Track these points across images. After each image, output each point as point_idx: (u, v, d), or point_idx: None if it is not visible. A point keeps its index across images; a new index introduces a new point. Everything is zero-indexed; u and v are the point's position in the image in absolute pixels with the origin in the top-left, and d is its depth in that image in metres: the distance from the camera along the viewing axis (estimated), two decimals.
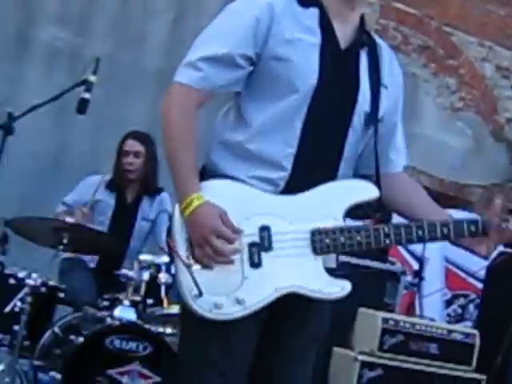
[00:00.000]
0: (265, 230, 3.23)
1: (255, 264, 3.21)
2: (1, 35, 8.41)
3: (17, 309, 5.82)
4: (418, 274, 7.81)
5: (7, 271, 5.98)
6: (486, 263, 7.93)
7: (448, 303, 9.16)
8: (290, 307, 3.30)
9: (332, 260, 3.38)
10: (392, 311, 7.49)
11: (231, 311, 3.20)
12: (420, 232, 3.29)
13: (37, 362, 5.82)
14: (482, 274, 8.38)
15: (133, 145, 6.43)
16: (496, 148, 10.48)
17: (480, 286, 8.68)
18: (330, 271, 3.30)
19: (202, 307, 3.17)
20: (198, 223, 3.14)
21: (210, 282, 3.20)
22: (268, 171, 3.28)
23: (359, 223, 3.39)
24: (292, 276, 3.25)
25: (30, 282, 5.85)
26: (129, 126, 6.67)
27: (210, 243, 3.14)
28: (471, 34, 10.29)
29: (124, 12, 8.87)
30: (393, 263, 7.78)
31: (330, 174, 3.34)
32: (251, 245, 3.20)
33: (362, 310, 7.08)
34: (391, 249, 7.71)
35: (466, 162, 10.29)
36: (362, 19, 3.40)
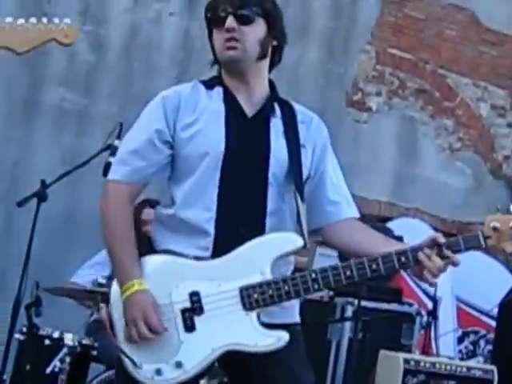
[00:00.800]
0: (195, 295, 3.39)
1: (189, 328, 3.38)
2: (10, 98, 8.50)
3: (56, 369, 5.94)
4: (433, 314, 7.92)
5: (42, 332, 6.06)
6: (497, 302, 8.06)
7: (459, 340, 9.24)
8: (249, 367, 3.45)
9: (291, 314, 3.56)
10: (409, 351, 7.59)
11: (173, 376, 3.37)
12: (348, 272, 3.37)
13: None
14: (494, 312, 8.45)
15: (150, 213, 6.51)
16: (495, 185, 10.61)
17: (491, 322, 8.79)
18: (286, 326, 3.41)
19: (145, 376, 3.35)
20: (134, 306, 3.34)
21: (149, 351, 3.38)
22: (196, 239, 3.46)
23: None
24: (226, 335, 3.38)
25: (68, 342, 5.97)
26: None
27: (137, 326, 3.34)
28: (465, 75, 10.42)
29: (128, 71, 8.99)
30: (409, 304, 7.86)
31: (257, 231, 3.48)
32: (184, 311, 3.38)
33: (383, 352, 7.16)
34: (405, 289, 7.79)
35: (467, 201, 10.38)
36: (273, 89, 3.65)
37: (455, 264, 3.38)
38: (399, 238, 7.52)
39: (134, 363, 3.37)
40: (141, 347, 3.40)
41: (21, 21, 3.19)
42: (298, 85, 8.29)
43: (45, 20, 3.23)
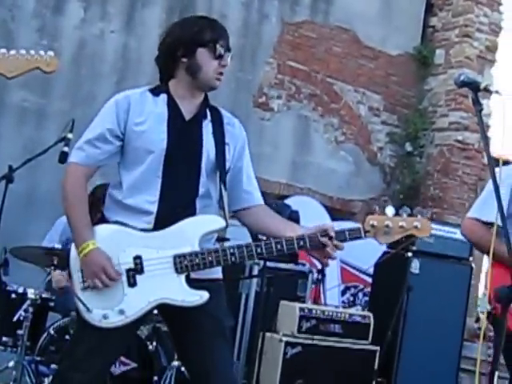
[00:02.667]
0: (138, 258, 3.51)
1: (132, 284, 3.50)
2: None
3: (21, 317, 5.88)
4: (321, 272, 8.02)
5: (9, 288, 6.06)
6: (373, 262, 8.21)
7: (342, 293, 9.38)
8: (181, 314, 3.56)
9: (217, 271, 3.68)
10: (303, 302, 7.70)
11: (116, 320, 3.48)
12: (259, 249, 3.53)
13: (37, 358, 5.90)
14: (370, 271, 8.59)
15: None
16: (372, 171, 10.74)
17: (367, 279, 8.94)
18: (210, 281, 3.58)
19: (94, 319, 3.48)
20: (92, 262, 3.44)
21: (99, 300, 3.48)
22: (141, 216, 3.56)
23: None
24: (161, 291, 3.51)
25: (30, 295, 5.95)
26: None
27: (97, 276, 3.44)
28: (348, 83, 10.52)
29: (77, 76, 8.92)
30: (303, 264, 7.94)
31: (190, 211, 3.60)
32: (128, 270, 3.49)
33: (283, 302, 7.28)
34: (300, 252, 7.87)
35: (349, 183, 10.49)
36: (206, 97, 3.73)
37: (340, 249, 3.55)
38: (296, 212, 7.67)
39: (88, 308, 3.47)
40: (92, 296, 3.50)
41: (12, 52, 3.19)
42: None
43: (32, 52, 3.27)
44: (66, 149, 5.76)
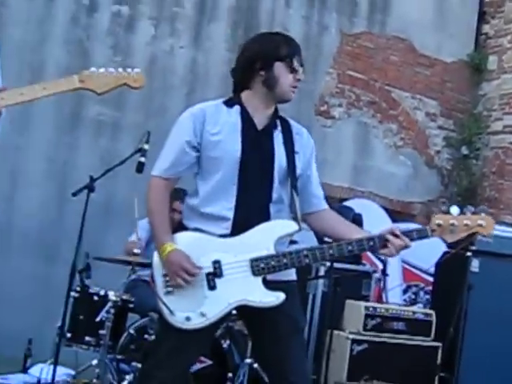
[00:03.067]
0: (217, 262, 3.54)
1: (212, 287, 3.53)
2: (61, 113, 8.49)
3: (103, 318, 5.94)
4: (384, 272, 8.00)
5: (91, 291, 6.14)
6: (433, 262, 8.16)
7: (404, 291, 9.33)
8: (259, 314, 3.57)
9: (292, 273, 3.72)
10: (368, 301, 7.68)
11: (198, 322, 3.51)
12: (331, 251, 3.56)
13: (118, 356, 5.97)
14: (431, 270, 8.52)
15: (178, 205, 6.32)
16: (429, 174, 10.68)
17: (428, 278, 8.87)
18: (284, 283, 3.60)
19: (177, 321, 3.51)
20: (172, 262, 3.49)
21: (181, 303, 3.52)
22: (219, 222, 3.59)
23: None
24: (239, 293, 3.53)
25: (111, 297, 6.02)
26: None
27: (178, 274, 3.47)
28: (405, 90, 10.48)
29: (150, 90, 8.98)
30: (365, 265, 7.94)
31: (264, 216, 3.62)
32: (208, 274, 3.53)
33: (348, 301, 7.27)
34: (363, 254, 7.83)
35: (408, 185, 10.44)
36: (276, 109, 3.75)
37: (407, 247, 3.57)
38: (359, 215, 7.66)
39: (171, 311, 3.51)
40: (175, 300, 3.54)
41: (101, 69, 3.21)
42: None
43: (120, 69, 3.26)
44: (142, 159, 5.87)
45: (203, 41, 9.37)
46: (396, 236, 3.54)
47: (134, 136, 8.19)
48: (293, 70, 3.64)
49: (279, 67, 3.62)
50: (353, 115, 10.16)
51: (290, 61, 3.63)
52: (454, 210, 3.59)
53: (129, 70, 3.26)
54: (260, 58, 3.64)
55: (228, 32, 9.47)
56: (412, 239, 3.57)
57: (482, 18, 11.06)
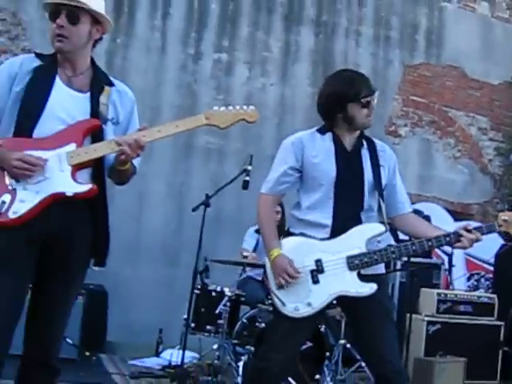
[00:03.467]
0: (318, 261, 3.56)
1: (315, 281, 3.55)
2: (176, 144, 8.60)
3: (221, 310, 6.00)
4: (450, 264, 7.90)
5: (210, 288, 6.21)
6: (493, 253, 8.05)
7: (468, 279, 9.19)
8: (356, 303, 3.56)
9: (381, 267, 3.69)
10: (439, 288, 7.60)
11: (305, 311, 3.53)
12: (414, 247, 3.54)
13: (234, 341, 6.00)
14: (491, 260, 8.38)
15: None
16: (484, 179, 10.48)
17: (489, 267, 8.72)
18: (375, 275, 3.59)
19: (288, 311, 3.54)
20: (276, 265, 3.53)
21: (291, 296, 3.54)
22: (319, 228, 3.60)
23: None
24: (338, 286, 3.54)
25: (227, 293, 6.08)
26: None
27: (281, 276, 3.50)
28: (460, 109, 10.33)
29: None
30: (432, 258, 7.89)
31: (357, 222, 3.61)
32: (312, 271, 3.55)
33: (423, 289, 7.22)
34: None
35: (466, 190, 10.28)
36: (362, 131, 3.72)
37: (479, 240, 3.55)
38: (427, 216, 7.58)
39: (283, 303, 3.53)
40: (285, 294, 3.57)
41: (222, 108, 3.22)
42: None
43: (238, 107, 3.27)
44: (247, 178, 5.91)
45: (289, 78, 9.39)
46: (469, 231, 3.52)
47: (236, 160, 8.30)
48: (364, 105, 3.60)
49: (352, 107, 3.60)
50: (416, 133, 10.06)
51: (359, 99, 3.59)
52: None
53: (245, 107, 3.27)
54: (335, 103, 3.63)
55: (309, 70, 9.48)
56: (482, 233, 3.55)
57: None
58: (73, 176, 2.97)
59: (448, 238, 3.54)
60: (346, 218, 3.59)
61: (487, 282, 9.00)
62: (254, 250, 6.93)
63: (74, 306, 6.01)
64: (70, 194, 2.94)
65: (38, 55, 3.14)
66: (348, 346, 6.53)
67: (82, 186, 2.98)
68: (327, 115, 3.71)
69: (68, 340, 6.07)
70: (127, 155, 2.99)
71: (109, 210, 3.24)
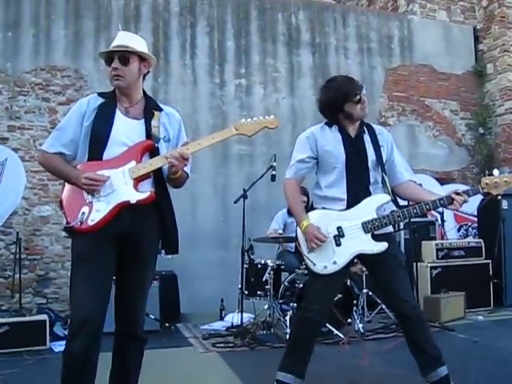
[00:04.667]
0: (339, 228, 3.50)
1: (338, 244, 3.49)
2: (215, 152, 8.60)
3: (266, 278, 6.02)
4: (442, 220, 7.78)
5: (256, 262, 6.20)
6: (475, 207, 7.92)
7: (458, 230, 9.06)
8: (373, 258, 3.50)
9: (390, 228, 3.61)
10: (435, 240, 7.50)
11: (332, 268, 3.48)
12: (415, 210, 3.47)
13: (280, 301, 6.00)
14: (475, 213, 8.24)
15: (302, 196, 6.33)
16: (460, 150, 10.30)
17: (474, 218, 8.56)
18: (386, 234, 3.52)
19: (318, 269, 3.49)
20: (307, 233, 3.47)
21: (319, 257, 3.49)
22: (337, 202, 3.53)
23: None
24: (357, 246, 3.48)
25: (270, 264, 6.05)
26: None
27: (312, 241, 3.45)
28: (434, 98, 10.15)
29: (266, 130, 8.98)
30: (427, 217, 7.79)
31: (367, 194, 3.53)
32: (335, 236, 3.49)
33: (423, 242, 7.14)
34: None
35: (447, 160, 10.13)
36: (362, 120, 3.64)
37: (467, 201, 3.49)
38: (419, 185, 7.42)
39: (313, 263, 3.50)
40: (315, 255, 3.52)
41: (249, 119, 3.16)
42: None
43: (261, 117, 3.20)
44: (273, 172, 5.84)
45: (296, 91, 9.31)
46: (459, 194, 3.43)
47: (263, 161, 8.26)
48: (357, 102, 3.53)
49: (348, 106, 3.54)
50: (402, 121, 9.90)
51: (353, 98, 3.52)
52: (496, 172, 3.51)
53: (266, 117, 3.20)
54: (333, 107, 3.58)
55: (311, 83, 9.39)
56: (469, 195, 3.45)
57: (477, 40, 10.63)
58: (135, 187, 3.00)
59: (442, 201, 3.45)
60: (357, 191, 3.53)
61: (474, 231, 8.85)
62: (284, 227, 6.90)
63: (151, 289, 6.09)
64: (133, 201, 2.96)
65: (100, 94, 3.16)
66: (370, 293, 6.48)
67: (142, 194, 3.00)
68: (330, 116, 3.65)
69: (151, 316, 6.08)
70: (176, 166, 2.99)
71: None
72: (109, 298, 2.96)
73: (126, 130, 3.03)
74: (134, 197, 2.97)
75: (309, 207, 3.79)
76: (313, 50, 9.52)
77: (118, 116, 3.06)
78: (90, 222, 2.90)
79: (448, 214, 8.25)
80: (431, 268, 6.90)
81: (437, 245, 7.06)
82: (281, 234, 6.47)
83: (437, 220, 7.61)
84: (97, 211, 2.92)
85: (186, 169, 3.14)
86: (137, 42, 3.14)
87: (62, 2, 8.43)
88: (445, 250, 7.05)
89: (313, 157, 3.61)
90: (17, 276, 6.73)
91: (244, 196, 5.88)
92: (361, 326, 5.84)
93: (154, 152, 3.06)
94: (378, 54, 9.90)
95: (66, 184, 3.04)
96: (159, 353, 5.21)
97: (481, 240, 7.33)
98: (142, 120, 3.09)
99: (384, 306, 6.50)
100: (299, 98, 9.26)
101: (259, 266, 6.13)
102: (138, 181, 3.00)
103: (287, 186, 3.67)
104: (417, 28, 10.25)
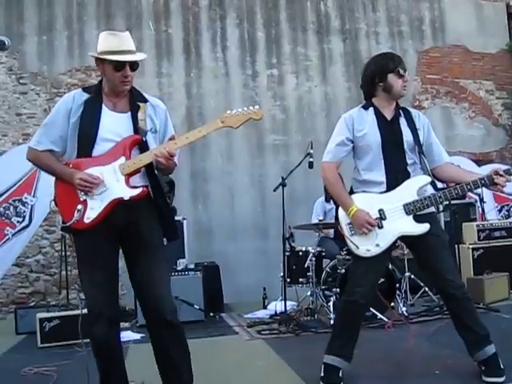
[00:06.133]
0: (381, 210, 3.50)
1: (380, 227, 3.49)
2: (250, 141, 8.67)
3: (308, 264, 6.05)
4: (481, 201, 7.69)
5: (297, 249, 6.22)
6: None
7: (499, 211, 8.92)
8: (416, 239, 3.50)
9: (432, 208, 3.57)
10: (476, 221, 7.43)
11: (375, 251, 3.49)
12: (456, 191, 3.46)
13: (323, 287, 6.03)
14: None
15: None
16: (497, 131, 10.17)
17: None
18: (427, 215, 3.51)
19: (361, 252, 3.50)
20: (358, 218, 3.48)
21: (362, 240, 3.50)
22: (377, 185, 3.52)
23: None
24: (399, 228, 3.48)
25: (311, 250, 6.08)
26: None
27: (364, 226, 3.45)
28: (468, 78, 10.04)
29: (301, 117, 9.01)
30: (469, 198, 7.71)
31: (406, 175, 3.54)
32: (376, 218, 3.47)
33: (464, 223, 7.09)
34: None
35: (484, 141, 10.00)
36: (397, 103, 3.64)
37: (509, 181, 3.44)
38: (457, 166, 7.35)
39: (356, 246, 3.52)
40: (357, 239, 3.54)
41: (234, 111, 3.12)
42: None
43: (245, 108, 3.14)
44: (311, 159, 5.86)
45: (328, 79, 9.31)
46: (500, 175, 3.41)
47: (298, 150, 8.31)
48: (400, 76, 3.56)
49: (391, 77, 3.56)
50: (437, 103, 9.83)
51: (397, 71, 3.55)
52: None
53: (251, 107, 3.14)
54: (377, 74, 3.60)
55: (343, 70, 9.38)
56: (510, 174, 3.42)
57: (510, 17, 10.45)
58: (127, 183, 3.05)
59: (483, 181, 3.42)
60: (396, 173, 3.53)
61: None
62: (324, 215, 6.92)
63: (195, 280, 6.27)
64: (126, 197, 3.01)
65: (85, 89, 3.19)
66: (413, 277, 6.47)
67: (135, 190, 3.04)
68: (370, 86, 3.65)
69: (195, 306, 6.19)
70: (163, 164, 3.03)
71: (176, 194, 3.32)
72: (117, 287, 3.09)
73: (113, 125, 3.06)
74: (127, 193, 3.02)
75: (348, 192, 3.81)
76: (343, 36, 9.49)
77: (105, 111, 3.10)
78: (86, 220, 2.97)
79: (487, 195, 8.14)
80: (473, 249, 6.85)
81: (478, 226, 6.99)
82: (321, 220, 6.49)
83: (476, 201, 7.53)
84: (91, 209, 2.99)
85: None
86: (133, 43, 3.16)
87: (93, 3, 8.59)
88: (486, 231, 6.98)
89: (351, 139, 3.62)
90: (63, 273, 6.90)
91: (283, 184, 5.91)
92: (404, 309, 5.85)
93: (142, 146, 3.11)
94: (409, 36, 9.84)
95: (58, 182, 3.08)
96: (206, 341, 5.31)
97: None
98: (129, 113, 3.13)
99: (427, 289, 6.48)
100: (331, 85, 9.26)
101: (300, 253, 6.16)
102: (128, 176, 3.06)
103: (327, 170, 3.65)
104: (448, 8, 10.13)
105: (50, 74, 8.26)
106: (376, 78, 3.59)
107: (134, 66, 3.10)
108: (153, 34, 8.71)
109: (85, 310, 3.04)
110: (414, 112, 3.72)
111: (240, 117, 3.13)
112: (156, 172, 3.15)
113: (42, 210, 6.89)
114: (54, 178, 3.13)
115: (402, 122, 3.61)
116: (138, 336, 5.62)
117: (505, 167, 3.51)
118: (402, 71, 3.57)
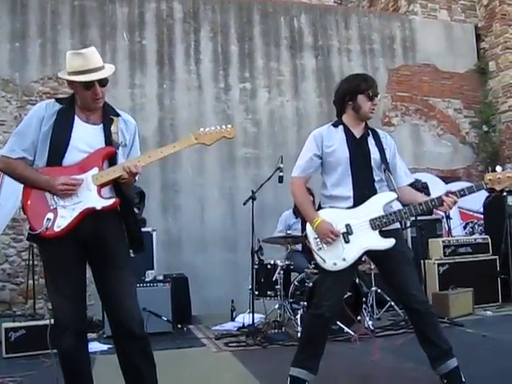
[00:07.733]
0: (348, 225, 3.56)
1: (347, 241, 3.56)
2: (221, 154, 8.71)
3: (276, 277, 6.08)
4: (447, 217, 7.85)
5: (265, 262, 6.27)
6: (481, 204, 7.99)
7: (464, 227, 9.10)
8: (382, 254, 3.56)
9: (397, 225, 3.67)
10: (442, 237, 7.57)
11: (341, 265, 3.55)
12: (420, 207, 3.54)
13: (290, 300, 6.07)
14: (480, 210, 8.29)
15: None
16: (464, 148, 10.36)
17: (479, 216, 8.62)
18: (393, 231, 3.58)
19: (328, 266, 3.57)
20: (322, 229, 3.55)
21: (329, 254, 3.56)
22: (344, 200, 3.59)
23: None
24: (365, 242, 3.55)
25: (279, 264, 6.13)
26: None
27: (327, 235, 3.52)
28: (437, 97, 10.22)
29: (272, 131, 9.09)
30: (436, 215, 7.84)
31: (373, 191, 3.62)
32: (343, 233, 3.56)
33: (430, 239, 7.21)
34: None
35: (452, 158, 10.18)
36: (366, 123, 3.74)
37: (456, 202, 3.53)
38: (425, 183, 7.50)
39: (323, 260, 3.59)
40: (324, 253, 3.60)
41: (207, 129, 3.20)
42: None
43: (218, 127, 3.24)
44: (281, 174, 5.93)
45: (300, 94, 9.41)
46: (450, 194, 3.49)
47: (269, 163, 8.36)
48: (370, 99, 3.65)
49: (361, 98, 3.64)
50: (406, 120, 9.98)
51: (368, 93, 3.64)
52: (498, 168, 3.60)
53: (224, 126, 3.24)
54: (348, 93, 3.68)
55: (315, 85, 9.49)
56: (472, 192, 3.49)
57: (478, 38, 10.70)
58: (99, 193, 3.08)
59: (433, 203, 3.52)
60: (363, 188, 3.61)
61: (480, 227, 8.91)
62: (289, 228, 6.97)
63: (163, 292, 6.26)
64: (98, 207, 3.04)
65: (58, 100, 3.21)
66: (379, 291, 6.56)
67: (107, 200, 3.08)
68: (341, 104, 3.73)
69: (163, 318, 6.19)
70: (129, 178, 3.08)
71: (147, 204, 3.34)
72: (85, 298, 3.08)
73: (85, 136, 3.09)
74: (100, 203, 3.05)
75: (316, 207, 3.87)
76: (316, 52, 9.62)
77: (78, 122, 3.12)
78: (56, 229, 2.96)
79: (454, 211, 8.32)
80: (439, 265, 6.97)
81: (444, 242, 7.13)
82: (289, 233, 6.55)
83: (443, 217, 7.69)
84: (62, 217, 2.99)
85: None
86: (100, 58, 3.18)
87: (68, 12, 8.57)
88: (452, 247, 7.12)
89: (319, 155, 3.69)
90: (30, 283, 6.83)
91: (253, 197, 5.97)
92: (370, 323, 5.93)
93: (112, 158, 3.14)
94: (380, 54, 10.01)
95: (27, 190, 3.07)
96: (174, 353, 5.32)
97: (487, 236, 7.39)
98: (101, 125, 3.16)
99: (393, 304, 6.58)
100: (303, 100, 9.35)
101: (269, 266, 6.21)
102: (100, 187, 3.08)
103: (295, 185, 3.74)
104: (418, 28, 10.35)
105: (21, 82, 8.20)
106: (347, 96, 3.67)
107: (102, 81, 3.11)
108: (127, 44, 8.71)
109: (53, 320, 3.04)
110: (381, 133, 3.82)
111: (213, 135, 3.20)
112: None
113: (4, 218, 6.80)
114: (20, 186, 3.12)
115: (370, 141, 3.70)
116: (105, 347, 5.60)
117: (469, 185, 3.62)
118: (372, 94, 3.65)
